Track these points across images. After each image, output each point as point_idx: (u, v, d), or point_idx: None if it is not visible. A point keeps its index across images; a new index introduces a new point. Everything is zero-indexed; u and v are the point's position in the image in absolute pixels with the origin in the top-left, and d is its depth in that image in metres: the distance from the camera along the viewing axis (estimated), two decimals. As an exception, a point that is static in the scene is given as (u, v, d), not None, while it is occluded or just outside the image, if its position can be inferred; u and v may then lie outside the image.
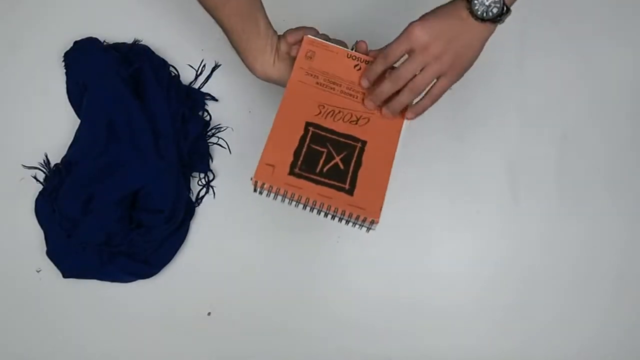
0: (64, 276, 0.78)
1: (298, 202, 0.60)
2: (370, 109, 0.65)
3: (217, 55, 0.87)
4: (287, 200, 0.61)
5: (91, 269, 0.78)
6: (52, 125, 0.84)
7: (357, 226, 0.60)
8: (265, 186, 0.59)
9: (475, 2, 0.59)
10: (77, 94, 0.84)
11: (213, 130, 0.85)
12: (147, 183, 0.78)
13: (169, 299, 0.79)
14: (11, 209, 0.82)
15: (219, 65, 0.87)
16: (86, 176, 0.78)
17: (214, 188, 0.83)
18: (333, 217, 0.60)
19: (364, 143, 0.63)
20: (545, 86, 0.87)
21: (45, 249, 0.79)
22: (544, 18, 0.89)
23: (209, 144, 0.84)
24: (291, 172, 0.60)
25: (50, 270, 0.79)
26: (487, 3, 0.59)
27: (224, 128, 0.85)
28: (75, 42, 0.85)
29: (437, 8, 0.61)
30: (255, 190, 0.61)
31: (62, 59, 0.85)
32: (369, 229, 0.60)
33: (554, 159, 0.84)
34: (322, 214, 0.60)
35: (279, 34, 0.70)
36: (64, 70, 0.85)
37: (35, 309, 0.79)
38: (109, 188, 0.78)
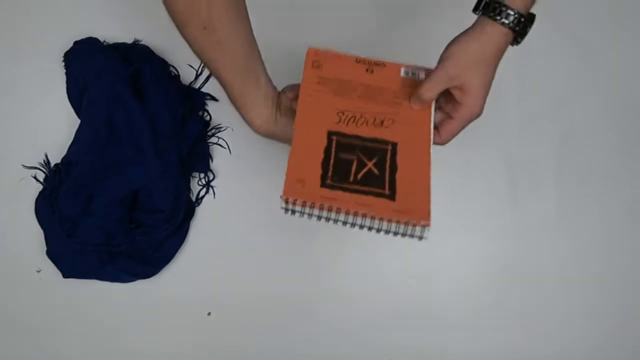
0: (64, 276, 0.78)
1: (337, 216, 0.52)
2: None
3: (217, 55, 0.87)
4: (323, 218, 0.52)
5: (91, 269, 0.78)
6: (52, 125, 0.84)
7: (406, 236, 0.53)
8: (297, 202, 0.52)
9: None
10: (77, 94, 0.84)
11: (213, 130, 0.85)
12: (147, 183, 0.78)
13: (169, 299, 0.79)
14: (11, 209, 0.82)
15: (219, 65, 0.87)
16: (86, 176, 0.78)
17: (214, 188, 0.83)
18: (378, 231, 0.52)
19: (395, 145, 0.57)
20: (545, 86, 0.87)
21: (45, 249, 0.79)
22: (544, 18, 0.89)
23: (209, 144, 0.84)
24: (323, 184, 0.53)
25: (50, 270, 0.79)
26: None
27: (224, 128, 0.85)
28: (75, 42, 0.85)
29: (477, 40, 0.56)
30: (286, 211, 0.53)
31: (62, 59, 0.85)
32: (420, 237, 0.53)
33: (554, 159, 0.84)
34: (365, 228, 0.52)
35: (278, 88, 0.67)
36: (64, 70, 0.85)
37: (35, 309, 0.79)
38: (109, 188, 0.78)
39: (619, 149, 0.84)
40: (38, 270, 0.80)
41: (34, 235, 0.80)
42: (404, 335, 0.79)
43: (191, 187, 0.83)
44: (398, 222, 0.52)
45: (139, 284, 0.80)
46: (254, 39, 0.63)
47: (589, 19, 0.89)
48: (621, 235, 0.81)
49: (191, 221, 0.82)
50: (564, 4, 0.89)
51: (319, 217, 0.53)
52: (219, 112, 0.86)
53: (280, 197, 0.52)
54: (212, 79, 0.87)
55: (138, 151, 0.79)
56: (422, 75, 0.63)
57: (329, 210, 0.52)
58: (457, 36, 0.57)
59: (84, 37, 0.85)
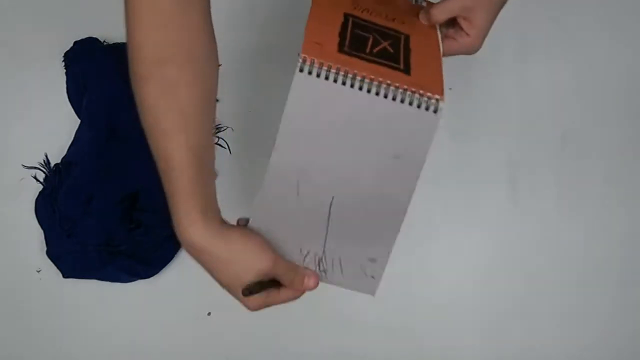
0: (64, 276, 0.78)
1: (352, 81, 0.50)
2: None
3: (217, 55, 0.87)
4: (339, 82, 0.50)
5: (91, 269, 0.78)
6: (52, 125, 0.84)
7: (421, 107, 0.51)
8: (315, 62, 0.49)
9: None
10: (77, 94, 0.84)
11: (213, 130, 0.85)
12: (147, 183, 0.78)
13: (169, 299, 0.79)
14: (11, 209, 0.82)
15: (219, 66, 0.87)
16: (86, 176, 0.78)
17: (214, 188, 0.83)
18: (394, 98, 0.50)
19: (407, 37, 0.57)
20: (545, 86, 0.87)
21: (45, 249, 0.79)
22: (545, 18, 0.89)
23: (209, 144, 0.84)
24: (341, 50, 0.52)
25: (50, 270, 0.79)
26: None
27: (224, 128, 0.85)
28: (75, 42, 0.85)
29: None
30: (301, 70, 0.49)
31: (62, 59, 0.85)
32: (435, 110, 0.51)
33: (554, 159, 0.84)
34: (381, 95, 0.50)
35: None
36: (64, 70, 0.85)
37: (35, 309, 0.79)
38: (109, 188, 0.78)
39: (619, 149, 0.84)
40: (38, 270, 0.80)
41: (34, 235, 0.80)
42: (404, 336, 0.79)
43: (191, 187, 0.83)
44: (414, 92, 0.50)
45: (139, 284, 0.79)
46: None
47: (589, 19, 0.89)
48: (621, 235, 0.81)
49: (191, 221, 0.82)
50: (564, 4, 0.89)
51: (335, 80, 0.50)
52: (219, 112, 0.85)
53: (298, 55, 0.49)
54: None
55: (138, 151, 0.79)
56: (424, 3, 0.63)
57: (345, 74, 0.50)
58: None
59: (84, 37, 0.85)
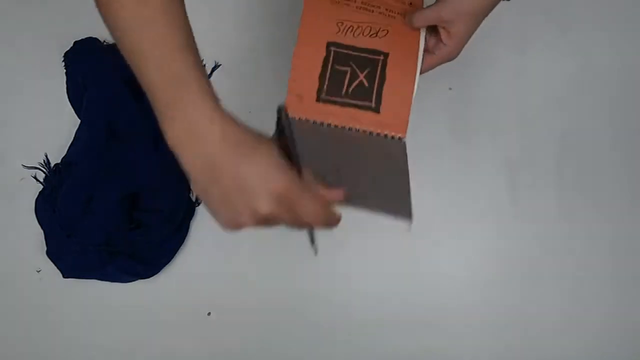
0: (64, 276, 0.78)
1: (327, 128, 0.60)
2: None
3: (217, 55, 0.87)
4: (316, 127, 0.61)
5: (91, 269, 0.78)
6: (52, 125, 0.84)
7: (384, 145, 0.61)
8: (295, 116, 0.60)
9: None
10: (77, 94, 0.84)
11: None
12: (147, 183, 0.78)
13: (169, 299, 0.79)
14: (11, 209, 0.82)
15: (219, 65, 0.87)
16: (86, 176, 0.78)
17: (214, 188, 0.83)
18: (360, 137, 0.61)
19: (386, 55, 0.63)
20: (545, 86, 0.87)
21: (45, 249, 0.79)
22: (544, 18, 0.89)
23: (209, 144, 0.84)
24: (318, 99, 0.61)
25: (50, 270, 0.79)
26: None
27: (224, 128, 0.85)
28: (75, 42, 0.85)
29: None
30: (279, 120, 0.52)
31: (62, 59, 0.85)
32: (400, 139, 0.61)
33: (553, 159, 0.84)
34: (350, 137, 0.61)
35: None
36: (64, 70, 0.85)
37: (35, 309, 0.79)
38: (109, 188, 0.78)
39: (619, 149, 0.84)
40: (38, 270, 0.80)
41: (34, 235, 0.80)
42: (404, 336, 0.79)
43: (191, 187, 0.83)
44: (379, 134, 0.60)
45: (139, 284, 0.80)
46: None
47: (589, 19, 0.88)
48: (622, 235, 0.81)
49: (191, 221, 0.82)
50: (564, 4, 0.89)
51: (314, 123, 0.61)
52: (219, 112, 0.86)
53: (277, 107, 0.52)
54: (212, 79, 0.86)
55: (138, 151, 0.79)
56: None
57: (321, 123, 0.61)
58: None
59: (84, 37, 0.85)
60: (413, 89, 0.62)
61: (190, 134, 0.45)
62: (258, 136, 0.48)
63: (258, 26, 0.87)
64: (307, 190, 0.46)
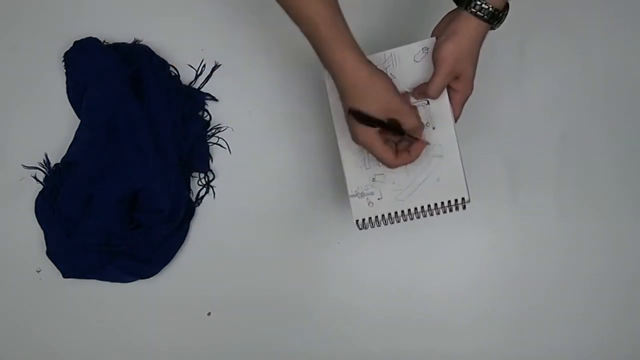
0: (64, 276, 0.78)
1: (404, 216, 0.67)
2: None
3: (217, 55, 0.87)
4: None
5: (91, 269, 0.78)
6: (52, 125, 0.84)
7: (453, 210, 0.67)
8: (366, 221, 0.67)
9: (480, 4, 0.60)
10: (77, 94, 0.84)
11: (213, 130, 0.85)
12: (147, 183, 0.78)
13: (169, 299, 0.79)
14: (11, 209, 0.82)
15: (219, 65, 0.87)
16: (86, 176, 0.78)
17: (214, 188, 0.83)
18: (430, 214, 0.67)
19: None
20: (545, 86, 0.87)
21: (45, 249, 0.79)
22: (544, 18, 0.89)
23: (209, 144, 0.84)
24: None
25: (50, 270, 0.79)
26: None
27: (224, 128, 0.85)
28: (75, 42, 0.85)
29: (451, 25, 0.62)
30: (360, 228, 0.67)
31: (62, 59, 0.85)
32: (464, 206, 0.67)
33: (553, 159, 0.84)
34: (420, 215, 0.67)
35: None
36: (64, 70, 0.85)
37: (35, 309, 0.79)
38: (109, 188, 0.78)
39: (619, 149, 0.84)
40: (38, 270, 0.80)
41: (34, 235, 0.80)
42: (403, 336, 0.79)
43: (191, 187, 0.83)
44: (443, 203, 0.66)
45: (139, 284, 0.80)
46: None
47: (589, 19, 0.88)
48: (622, 234, 0.81)
49: (191, 221, 0.82)
50: (564, 4, 0.89)
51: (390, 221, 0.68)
52: (219, 112, 0.86)
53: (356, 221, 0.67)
54: (212, 79, 0.87)
55: (138, 151, 0.79)
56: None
57: (396, 217, 0.67)
58: (447, 36, 0.62)
59: (84, 37, 0.85)
60: (459, 157, 0.67)
61: (334, 64, 0.60)
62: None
63: (258, 27, 0.87)
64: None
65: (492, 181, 0.83)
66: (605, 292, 0.80)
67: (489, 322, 0.79)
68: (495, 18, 0.61)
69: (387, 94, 0.60)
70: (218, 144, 0.84)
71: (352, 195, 0.67)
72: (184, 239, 0.81)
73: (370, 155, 0.64)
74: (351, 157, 0.67)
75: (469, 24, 0.61)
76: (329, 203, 0.82)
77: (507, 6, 0.62)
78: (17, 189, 0.82)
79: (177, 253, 0.80)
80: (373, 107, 0.60)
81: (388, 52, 0.66)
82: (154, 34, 0.87)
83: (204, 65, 0.87)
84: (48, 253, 0.79)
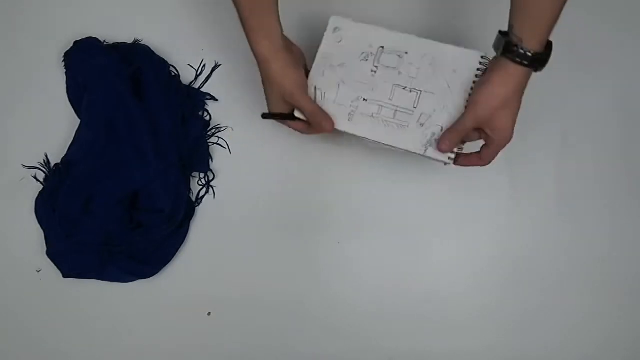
0: (64, 276, 0.78)
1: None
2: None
3: (217, 55, 0.87)
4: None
5: (91, 269, 0.78)
6: (52, 125, 0.84)
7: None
8: None
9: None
10: (77, 94, 0.84)
11: (213, 130, 0.85)
12: (147, 183, 0.78)
13: (169, 299, 0.79)
14: (11, 209, 0.82)
15: (219, 65, 0.87)
16: (86, 176, 0.78)
17: (214, 188, 0.83)
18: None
19: None
20: (546, 86, 0.87)
21: (45, 249, 0.79)
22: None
23: (209, 144, 0.84)
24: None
25: (50, 270, 0.79)
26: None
27: (224, 128, 0.85)
28: (75, 42, 0.85)
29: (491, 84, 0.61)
30: None
31: (62, 59, 0.85)
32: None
33: (554, 159, 0.84)
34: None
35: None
36: (64, 70, 0.85)
37: (35, 309, 0.79)
38: (109, 188, 0.78)
39: (619, 149, 0.84)
40: (38, 270, 0.80)
41: (34, 235, 0.80)
42: (403, 336, 0.79)
43: (191, 187, 0.83)
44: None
45: (139, 284, 0.80)
46: None
47: (589, 19, 0.88)
48: (622, 234, 0.81)
49: (191, 221, 0.82)
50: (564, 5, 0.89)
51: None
52: (219, 112, 0.86)
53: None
54: (212, 79, 0.87)
55: (138, 151, 0.79)
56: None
57: None
58: (482, 80, 0.61)
59: (84, 37, 0.85)
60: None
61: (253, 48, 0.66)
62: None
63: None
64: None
65: (492, 181, 0.83)
66: (606, 291, 0.80)
67: (489, 320, 0.79)
68: (537, 62, 0.57)
69: (291, 86, 0.65)
70: (218, 144, 0.84)
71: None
72: (184, 239, 0.81)
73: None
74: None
75: (507, 71, 0.58)
76: (329, 203, 0.82)
77: (549, 46, 0.58)
78: (17, 189, 0.82)
79: (177, 253, 0.80)
80: (275, 99, 0.67)
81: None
82: (154, 34, 0.87)
83: (204, 65, 0.87)
84: (48, 253, 0.79)
